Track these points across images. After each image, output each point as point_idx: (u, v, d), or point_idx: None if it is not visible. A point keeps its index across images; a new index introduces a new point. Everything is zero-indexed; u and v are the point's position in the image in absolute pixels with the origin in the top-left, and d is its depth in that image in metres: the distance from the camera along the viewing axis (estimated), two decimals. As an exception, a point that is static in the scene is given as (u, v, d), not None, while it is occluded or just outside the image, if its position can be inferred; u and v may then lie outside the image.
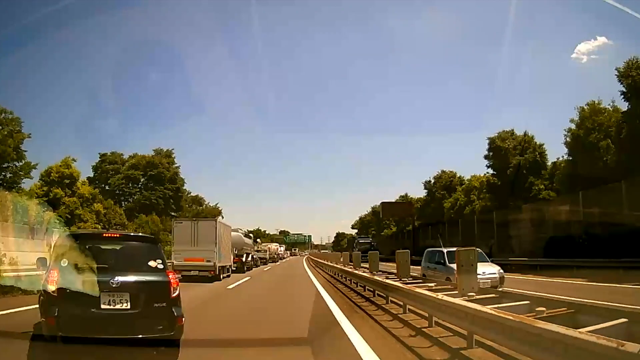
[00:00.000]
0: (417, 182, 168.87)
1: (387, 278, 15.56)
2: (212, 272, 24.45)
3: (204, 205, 67.23)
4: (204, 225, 25.48)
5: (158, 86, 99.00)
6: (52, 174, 35.65)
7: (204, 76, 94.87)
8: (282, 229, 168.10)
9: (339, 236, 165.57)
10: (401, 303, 12.02)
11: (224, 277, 26.87)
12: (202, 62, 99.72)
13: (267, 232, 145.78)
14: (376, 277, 15.87)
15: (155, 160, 55.82)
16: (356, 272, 20.33)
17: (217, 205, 71.51)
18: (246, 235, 41.17)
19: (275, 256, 78.23)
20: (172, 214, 51.71)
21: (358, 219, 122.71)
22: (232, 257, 31.68)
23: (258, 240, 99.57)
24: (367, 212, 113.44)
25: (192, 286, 21.94)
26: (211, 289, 20.99)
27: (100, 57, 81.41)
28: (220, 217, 62.60)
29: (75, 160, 37.53)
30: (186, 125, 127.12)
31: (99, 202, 39.86)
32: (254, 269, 43.55)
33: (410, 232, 70.68)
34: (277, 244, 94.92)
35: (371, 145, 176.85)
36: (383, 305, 13.44)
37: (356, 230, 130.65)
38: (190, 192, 66.08)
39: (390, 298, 13.32)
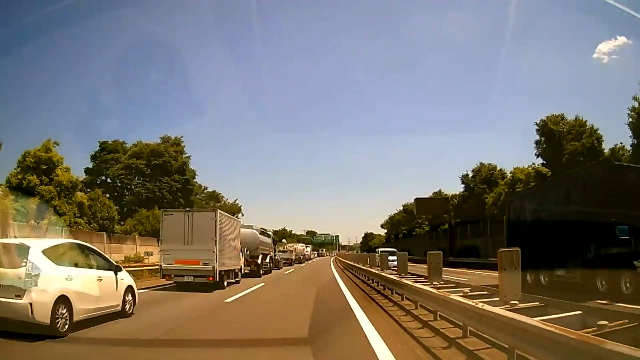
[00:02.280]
0: (446, 182, 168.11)
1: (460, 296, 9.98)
2: (210, 278, 19.16)
3: (222, 202, 62.13)
4: (201, 218, 20.07)
5: (175, 82, 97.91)
6: (27, 159, 30.73)
7: (225, 75, 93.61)
8: (309, 230, 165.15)
9: (367, 236, 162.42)
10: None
11: (229, 284, 21.63)
12: (221, 60, 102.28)
13: (293, 232, 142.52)
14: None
15: (160, 148, 49.90)
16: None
17: (236, 201, 66.71)
18: (262, 233, 35.74)
19: (301, 257, 73.00)
20: (182, 209, 46.82)
21: (388, 217, 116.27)
22: (242, 259, 26.45)
23: (283, 240, 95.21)
24: (397, 211, 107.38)
25: (179, 297, 16.96)
26: (200, 304, 15.51)
27: (103, 57, 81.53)
28: (239, 215, 57.83)
29: (57, 144, 32.42)
30: (209, 123, 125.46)
31: (86, 191, 35.46)
32: (273, 271, 38.71)
33: (445, 231, 65.29)
34: (303, 245, 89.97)
35: (400, 145, 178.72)
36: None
37: (385, 230, 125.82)
38: (206, 188, 61.55)
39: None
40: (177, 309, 14.07)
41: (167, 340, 9.49)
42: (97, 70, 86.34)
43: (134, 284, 12.65)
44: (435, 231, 72.18)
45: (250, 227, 33.90)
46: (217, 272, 19.15)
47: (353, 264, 38.23)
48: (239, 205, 66.39)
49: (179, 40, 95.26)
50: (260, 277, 30.75)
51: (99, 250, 12.01)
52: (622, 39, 64.75)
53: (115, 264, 12.09)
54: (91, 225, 33.22)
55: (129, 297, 12.16)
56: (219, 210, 20.98)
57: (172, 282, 19.90)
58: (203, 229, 19.47)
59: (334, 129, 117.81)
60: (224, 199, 63.97)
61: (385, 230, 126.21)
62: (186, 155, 52.33)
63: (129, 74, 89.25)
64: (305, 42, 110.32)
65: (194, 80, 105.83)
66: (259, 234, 33.45)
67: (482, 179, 58.15)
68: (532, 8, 62.31)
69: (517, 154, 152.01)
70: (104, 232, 31.78)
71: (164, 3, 77.07)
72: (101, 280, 10.87)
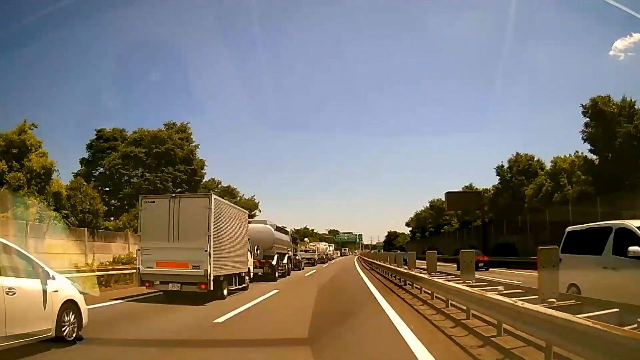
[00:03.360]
0: (470, 179, 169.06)
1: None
2: (203, 286, 14.73)
3: (238, 197, 57.86)
4: (190, 206, 15.39)
5: (183, 82, 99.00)
6: (-3, 142, 26.51)
7: (238, 75, 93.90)
8: (332, 228, 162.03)
9: (391, 235, 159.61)
10: None
11: (232, 292, 17.59)
12: (244, 58, 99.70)
13: (315, 231, 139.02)
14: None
15: (162, 134, 43.72)
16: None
17: (254, 197, 62.53)
18: (279, 229, 31.60)
19: (324, 257, 69.69)
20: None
21: (414, 215, 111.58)
22: (250, 260, 21.98)
23: (305, 239, 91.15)
24: (423, 208, 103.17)
25: (156, 314, 12.91)
26: (179, 326, 11.01)
27: (105, 57, 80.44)
28: (256, 212, 53.92)
29: (35, 127, 28.22)
30: (232, 120, 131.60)
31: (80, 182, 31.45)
32: (293, 273, 34.92)
33: (478, 228, 60.75)
34: (326, 243, 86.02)
35: (423, 144, 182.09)
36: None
37: (410, 228, 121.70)
38: (220, 182, 57.34)
39: None
40: (143, 333, 9.99)
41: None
42: (98, 70, 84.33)
43: (78, 297, 8.76)
44: (466, 228, 67.69)
45: (264, 222, 30.02)
46: (211, 278, 14.83)
47: (382, 264, 34.06)
48: (257, 201, 62.32)
49: (182, 41, 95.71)
50: (275, 280, 26.96)
51: (17, 248, 8.02)
52: (637, 36, 66.10)
53: (45, 268, 8.13)
54: (69, 220, 28.73)
55: (70, 317, 8.34)
56: (214, 196, 15.93)
57: (158, 290, 15.83)
58: (193, 220, 15.10)
59: (356, 129, 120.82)
60: (240, 195, 59.76)
61: (410, 228, 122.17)
62: (194, 144, 46.81)
63: (135, 74, 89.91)
64: (322, 40, 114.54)
65: (205, 81, 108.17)
66: (274, 230, 29.36)
67: (520, 170, 53.28)
68: (545, 8, 66.32)
69: (548, 148, 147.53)
70: (85, 228, 27.36)
71: (167, 3, 76.44)
72: (14, 293, 6.98)
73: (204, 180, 45.54)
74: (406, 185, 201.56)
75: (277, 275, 28.12)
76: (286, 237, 33.79)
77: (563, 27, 79.73)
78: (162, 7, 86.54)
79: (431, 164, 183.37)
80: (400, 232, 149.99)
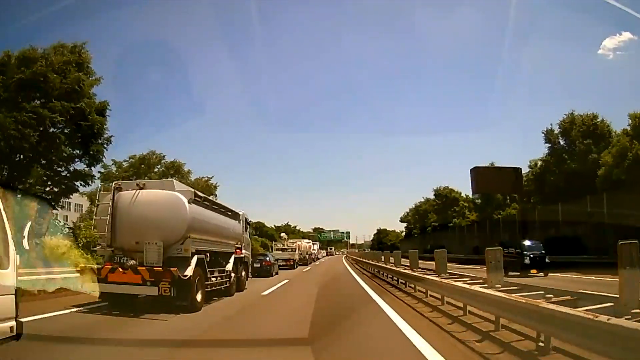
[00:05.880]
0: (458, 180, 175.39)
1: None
2: None
3: (183, 175, 39.83)
4: None
5: (178, 83, 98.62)
6: None
7: (230, 77, 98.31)
8: (317, 226, 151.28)
9: (381, 233, 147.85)
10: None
11: None
12: (226, 63, 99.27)
13: (298, 229, 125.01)
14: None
15: (33, 54, 23.48)
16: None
17: (212, 179, 45.78)
18: (205, 204, 15.28)
19: (307, 257, 57.27)
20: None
21: (412, 207, 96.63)
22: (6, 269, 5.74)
23: (283, 235, 75.78)
24: (424, 199, 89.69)
25: None
26: None
27: (101, 57, 65.79)
28: (213, 197, 38.50)
29: None
30: (214, 123, 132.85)
31: None
32: (252, 283, 21.98)
33: (509, 218, 46.23)
34: (310, 241, 71.38)
35: (409, 145, 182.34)
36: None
37: (405, 224, 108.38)
38: (164, 156, 40.13)
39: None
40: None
41: None
42: (98, 69, 72.52)
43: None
44: (490, 220, 52.27)
45: (170, 184, 14.50)
46: None
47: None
48: (214, 183, 45.96)
49: (182, 41, 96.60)
50: (196, 309, 12.67)
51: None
52: (627, 35, 66.79)
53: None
54: None
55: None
56: None
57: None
58: None
59: (340, 129, 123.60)
60: (187, 172, 42.33)
61: (405, 225, 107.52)
62: (94, 78, 25.41)
63: (132, 74, 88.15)
64: (310, 43, 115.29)
65: (199, 82, 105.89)
66: (190, 203, 13.33)
67: (584, 133, 37.49)
68: (536, 7, 64.51)
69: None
70: None
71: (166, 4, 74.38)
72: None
73: (107, 135, 25.32)
74: (394, 186, 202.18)
75: (199, 298, 12.85)
76: (229, 222, 17.92)
77: (552, 24, 77.66)
78: (162, 7, 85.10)
79: (422, 162, 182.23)
80: (391, 229, 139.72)
